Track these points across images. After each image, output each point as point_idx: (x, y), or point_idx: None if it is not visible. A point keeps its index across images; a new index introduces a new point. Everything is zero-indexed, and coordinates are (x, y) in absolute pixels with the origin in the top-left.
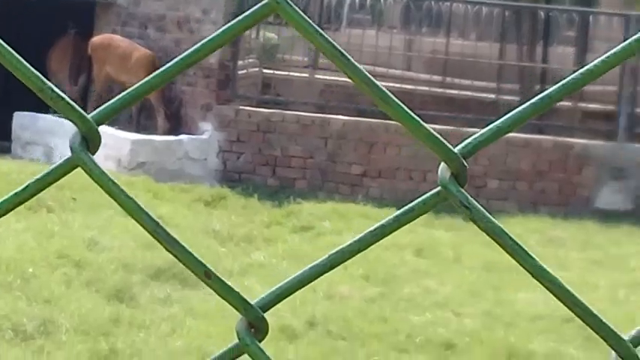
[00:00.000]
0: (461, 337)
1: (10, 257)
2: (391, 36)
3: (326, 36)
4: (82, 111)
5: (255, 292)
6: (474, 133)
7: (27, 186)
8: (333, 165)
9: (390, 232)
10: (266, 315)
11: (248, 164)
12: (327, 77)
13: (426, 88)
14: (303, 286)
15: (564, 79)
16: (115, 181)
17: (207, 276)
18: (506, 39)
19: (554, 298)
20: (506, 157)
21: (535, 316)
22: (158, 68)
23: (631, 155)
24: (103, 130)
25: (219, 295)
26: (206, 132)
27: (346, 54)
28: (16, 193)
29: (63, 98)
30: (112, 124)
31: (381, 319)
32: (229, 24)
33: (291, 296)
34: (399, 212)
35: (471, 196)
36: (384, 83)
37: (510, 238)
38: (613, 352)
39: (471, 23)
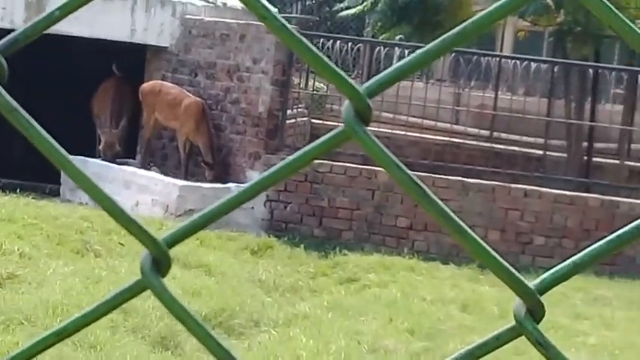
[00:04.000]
0: None
1: (57, 301)
2: (440, 89)
3: (404, 169)
4: (153, 234)
5: (299, 343)
6: (520, 189)
7: (95, 308)
8: (379, 217)
9: None
10: None
11: (295, 214)
12: (375, 129)
13: (474, 142)
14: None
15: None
16: (186, 307)
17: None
18: (555, 95)
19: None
20: (553, 215)
21: None
22: (207, 116)
23: None
24: (152, 175)
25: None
26: None
27: (425, 189)
28: (84, 315)
29: (135, 222)
30: (160, 169)
31: None
32: (303, 150)
33: (335, 349)
34: (472, 346)
35: (517, 253)
36: (431, 136)
37: None
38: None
39: (519, 78)
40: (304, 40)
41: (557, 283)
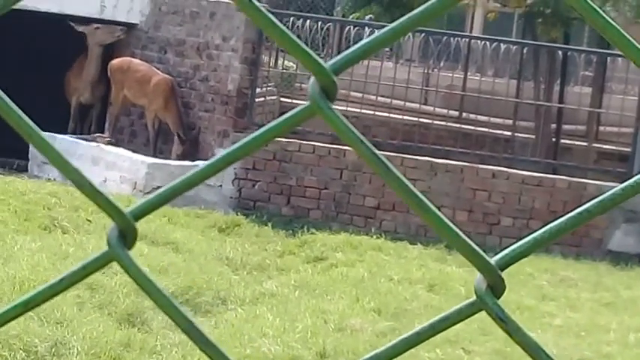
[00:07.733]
0: None
1: (24, 277)
2: (409, 69)
3: (368, 144)
4: (120, 206)
5: (266, 322)
6: (487, 169)
7: (62, 279)
8: (347, 196)
9: (425, 340)
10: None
11: (263, 192)
12: (343, 108)
13: (443, 123)
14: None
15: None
16: (152, 279)
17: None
18: (524, 77)
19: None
20: (520, 196)
21: None
22: (176, 93)
23: None
24: (120, 152)
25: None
26: None
27: (389, 165)
28: (51, 286)
29: (101, 193)
30: (128, 146)
31: None
32: (269, 125)
33: (301, 328)
34: (434, 320)
35: (485, 233)
36: (400, 116)
37: (545, 353)
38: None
39: (488, 59)
40: (271, 16)
41: (517, 259)
